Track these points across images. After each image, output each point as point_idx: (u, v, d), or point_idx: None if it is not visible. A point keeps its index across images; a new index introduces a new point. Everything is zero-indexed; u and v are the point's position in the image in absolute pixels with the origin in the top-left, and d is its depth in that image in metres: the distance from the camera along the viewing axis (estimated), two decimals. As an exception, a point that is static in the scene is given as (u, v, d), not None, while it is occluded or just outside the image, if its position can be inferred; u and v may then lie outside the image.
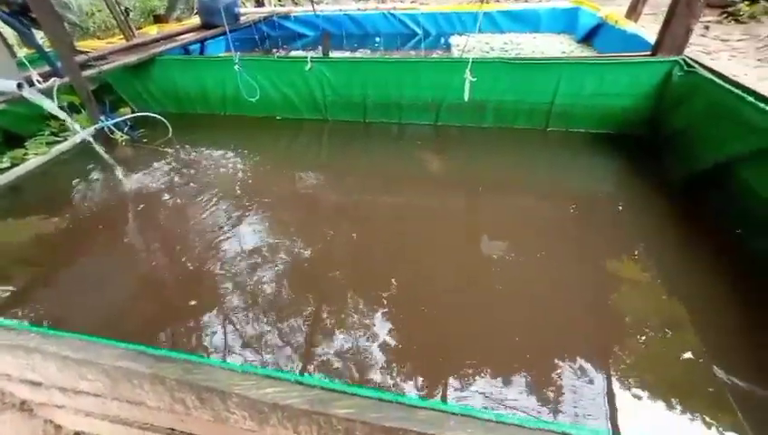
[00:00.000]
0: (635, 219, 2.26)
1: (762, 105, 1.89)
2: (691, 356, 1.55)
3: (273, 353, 1.66)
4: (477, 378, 1.53)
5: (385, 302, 1.84)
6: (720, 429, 1.33)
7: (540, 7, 5.13)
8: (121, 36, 4.22)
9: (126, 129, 3.39)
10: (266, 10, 5.22)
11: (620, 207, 2.35)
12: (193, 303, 1.89)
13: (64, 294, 2.00)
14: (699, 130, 2.36)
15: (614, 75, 2.83)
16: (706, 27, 5.49)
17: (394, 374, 1.56)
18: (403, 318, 1.77)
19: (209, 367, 0.83)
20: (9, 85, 2.03)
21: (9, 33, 2.45)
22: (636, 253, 2.05)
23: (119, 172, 2.89)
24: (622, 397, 1.44)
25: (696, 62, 2.54)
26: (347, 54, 4.98)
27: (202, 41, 4.51)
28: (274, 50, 5.01)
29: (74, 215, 2.57)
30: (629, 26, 3.62)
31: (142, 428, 1.12)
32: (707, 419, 1.36)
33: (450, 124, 3.35)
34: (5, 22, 2.29)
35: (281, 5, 8.54)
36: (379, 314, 1.80)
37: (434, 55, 4.80)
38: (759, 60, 4.35)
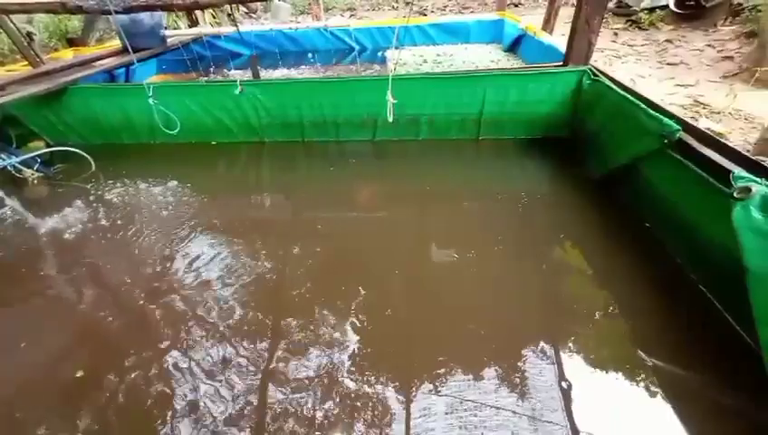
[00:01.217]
0: (563, 215, 2.46)
1: (651, 111, 2.11)
2: (620, 339, 1.72)
3: (237, 375, 1.65)
4: (439, 376, 1.60)
5: (343, 313, 1.88)
6: (650, 408, 1.46)
7: (469, 20, 5.40)
8: (26, 63, 3.86)
9: (37, 166, 3.10)
10: (195, 31, 5.04)
11: (550, 205, 2.56)
12: (131, 351, 1.76)
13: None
14: (608, 133, 2.58)
15: (535, 84, 3.03)
16: (615, 34, 6.08)
17: (363, 379, 1.61)
18: (362, 325, 1.83)
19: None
20: None
21: None
22: (566, 246, 2.26)
23: (28, 214, 2.63)
24: (571, 379, 1.56)
25: (600, 71, 2.79)
26: (284, 73, 4.93)
27: (127, 65, 4.25)
28: (207, 72, 4.84)
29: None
30: (545, 38, 3.90)
31: None
32: (637, 394, 1.50)
33: (387, 139, 3.41)
34: None
35: (217, 23, 8.30)
36: (340, 323, 1.84)
37: (373, 68, 4.89)
38: (659, 62, 4.87)
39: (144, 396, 1.59)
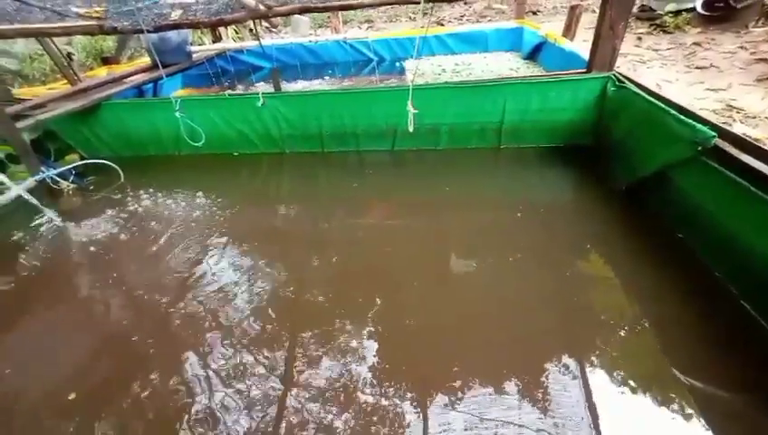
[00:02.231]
0: (587, 225, 2.38)
1: (682, 117, 2.03)
2: (651, 355, 1.63)
3: (257, 380, 1.66)
4: (459, 390, 1.56)
5: (361, 323, 1.88)
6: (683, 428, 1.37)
7: (487, 28, 5.39)
8: (65, 82, 4.09)
9: (72, 177, 3.25)
10: (219, 46, 5.23)
11: (572, 214, 2.49)
12: (152, 354, 1.80)
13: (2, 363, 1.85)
14: (635, 140, 2.50)
15: (556, 92, 2.98)
16: (639, 38, 5.92)
17: (381, 391, 1.58)
18: (381, 335, 1.82)
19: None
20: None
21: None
22: (591, 256, 2.19)
23: (62, 224, 2.75)
24: (598, 398, 1.49)
25: (626, 77, 2.72)
26: (304, 85, 5.03)
27: (155, 81, 4.45)
28: (230, 85, 5.01)
29: (15, 273, 2.41)
30: (567, 44, 3.85)
31: None
32: (671, 416, 1.41)
33: (406, 149, 3.42)
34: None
35: (239, 38, 8.59)
36: (358, 333, 1.83)
37: (391, 80, 4.93)
38: (687, 66, 4.70)
39: (163, 401, 1.62)
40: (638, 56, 5.25)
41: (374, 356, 1.73)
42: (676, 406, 1.44)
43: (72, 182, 3.28)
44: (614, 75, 2.77)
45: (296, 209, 2.94)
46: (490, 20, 9.29)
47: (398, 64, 5.33)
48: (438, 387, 1.57)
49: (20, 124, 2.81)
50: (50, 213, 2.69)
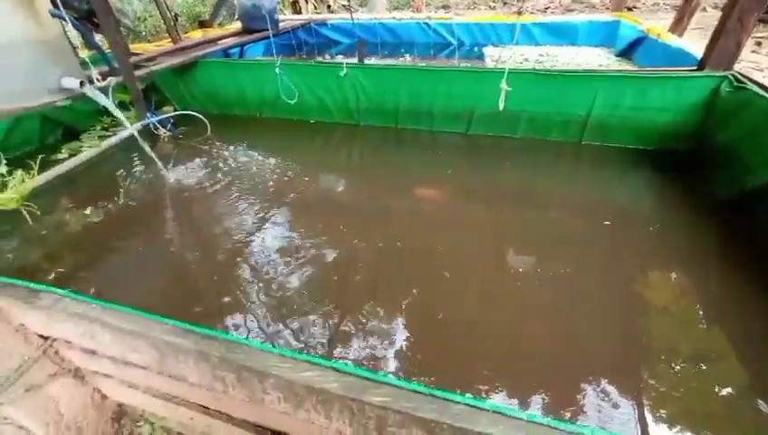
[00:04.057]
0: (673, 238, 2.17)
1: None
2: (733, 391, 1.45)
3: (297, 343, 1.71)
4: (497, 399, 1.48)
5: (407, 308, 1.84)
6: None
7: (578, 20, 5.05)
8: (168, 40, 4.48)
9: (169, 126, 3.59)
10: (304, 17, 5.41)
11: (658, 225, 2.27)
12: (222, 290, 1.98)
13: (109, 275, 2.13)
14: (751, 147, 2.25)
15: (657, 89, 2.75)
16: (758, 43, 5.24)
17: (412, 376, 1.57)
18: (423, 327, 1.76)
19: (249, 347, 0.88)
20: (73, 83, 2.20)
21: (73, 36, 2.67)
22: (673, 275, 1.97)
23: (161, 165, 3.05)
24: (653, 431, 1.36)
25: (747, 77, 2.44)
26: (381, 62, 5.07)
27: (242, 45, 4.73)
28: (309, 56, 5.18)
29: (119, 204, 2.74)
30: (673, 40, 3.51)
31: (179, 404, 1.18)
32: None
33: (481, 134, 3.35)
34: (73, 25, 2.50)
35: (317, 12, 8.80)
36: (400, 320, 1.79)
37: (468, 65, 4.82)
38: (815, 78, 4.10)
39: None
40: (754, 63, 4.67)
41: (405, 349, 1.67)
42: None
43: (168, 130, 3.62)
44: (732, 75, 2.49)
45: (362, 181, 3.00)
46: (577, 13, 8.69)
47: (477, 51, 5.19)
48: (478, 385, 1.50)
49: (138, 73, 3.14)
50: (152, 154, 3.00)
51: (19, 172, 2.17)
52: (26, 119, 3.27)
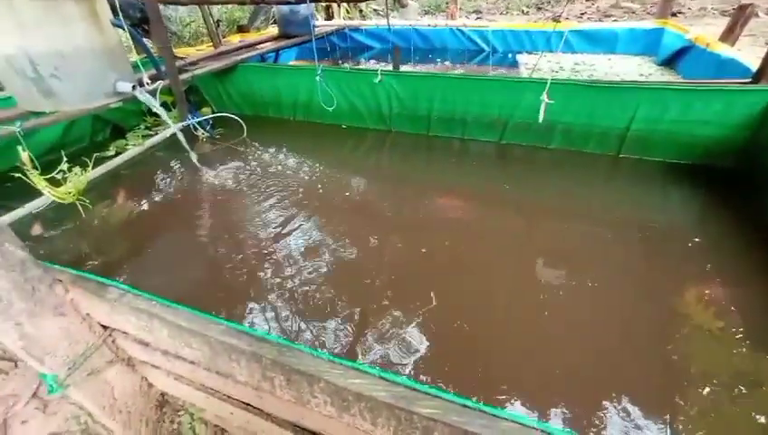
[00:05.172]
0: (714, 258, 2.08)
1: None
2: None
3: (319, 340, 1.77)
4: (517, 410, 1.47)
5: (430, 316, 1.84)
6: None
7: (618, 27, 4.92)
8: (209, 44, 4.68)
9: (208, 127, 3.74)
10: (338, 22, 5.52)
11: (697, 243, 2.19)
12: (248, 283, 2.06)
13: (151, 268, 2.25)
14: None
15: (703, 103, 2.65)
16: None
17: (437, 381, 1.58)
18: (446, 335, 1.76)
19: (300, 352, 0.91)
20: (127, 87, 2.34)
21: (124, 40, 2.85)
22: (711, 295, 1.89)
23: (199, 165, 3.19)
24: None
25: (805, 93, 2.31)
26: (415, 68, 5.10)
27: (278, 50, 4.87)
28: (342, 61, 5.27)
29: (161, 200, 2.88)
30: (724, 50, 3.36)
31: (221, 398, 1.23)
32: None
33: (515, 143, 3.31)
34: (129, 33, 2.67)
35: (349, 18, 8.94)
36: (423, 328, 1.80)
37: (501, 72, 4.78)
38: None
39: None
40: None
41: (426, 358, 1.67)
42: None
43: (207, 131, 3.77)
44: (790, 90, 2.37)
45: (390, 188, 3.03)
46: (615, 20, 8.44)
47: (510, 57, 5.14)
48: (500, 401, 1.50)
49: (182, 77, 3.30)
50: (192, 153, 3.14)
51: (77, 168, 2.32)
52: (80, 118, 3.49)
